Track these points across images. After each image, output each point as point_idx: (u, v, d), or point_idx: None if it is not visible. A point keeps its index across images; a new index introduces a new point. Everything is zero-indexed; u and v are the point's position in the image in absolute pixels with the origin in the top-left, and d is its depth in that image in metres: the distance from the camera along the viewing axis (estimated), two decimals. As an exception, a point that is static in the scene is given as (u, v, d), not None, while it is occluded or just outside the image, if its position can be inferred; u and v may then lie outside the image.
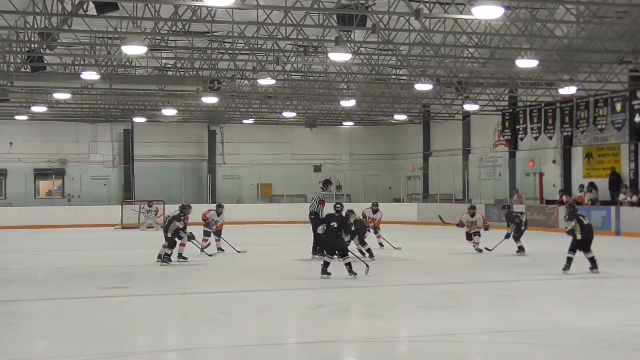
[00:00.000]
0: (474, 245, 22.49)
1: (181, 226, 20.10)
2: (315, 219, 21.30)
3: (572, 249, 17.04)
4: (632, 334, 10.93)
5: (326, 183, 23.01)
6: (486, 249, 22.27)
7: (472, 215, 22.72)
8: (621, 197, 32.62)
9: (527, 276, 17.73)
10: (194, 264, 20.14)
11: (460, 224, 22.91)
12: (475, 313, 13.03)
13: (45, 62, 27.96)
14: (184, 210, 20.64)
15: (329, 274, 16.42)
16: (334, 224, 16.62)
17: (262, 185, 47.27)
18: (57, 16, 22.70)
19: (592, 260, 17.04)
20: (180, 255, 20.18)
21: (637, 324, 11.89)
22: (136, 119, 44.44)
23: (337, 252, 16.53)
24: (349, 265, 16.36)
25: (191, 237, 20.37)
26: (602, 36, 26.61)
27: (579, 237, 16.81)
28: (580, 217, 17.10)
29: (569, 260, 16.97)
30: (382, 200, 44.86)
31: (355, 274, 16.28)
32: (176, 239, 20.05)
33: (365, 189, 47.51)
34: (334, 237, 16.62)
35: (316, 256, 20.69)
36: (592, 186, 35.07)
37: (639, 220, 30.41)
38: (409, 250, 24.21)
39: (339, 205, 17.86)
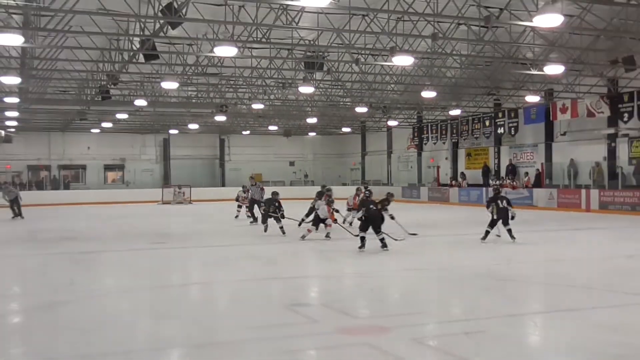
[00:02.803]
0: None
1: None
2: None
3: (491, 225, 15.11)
4: (494, 270, 11.14)
5: (252, 179, 21.83)
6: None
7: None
8: (491, 182, 33.06)
9: (431, 234, 17.60)
10: (209, 230, 20.04)
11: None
12: (393, 257, 13.05)
13: (110, 94, 27.71)
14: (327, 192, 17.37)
15: (364, 247, 13.51)
16: (373, 207, 13.84)
17: (255, 174, 47.13)
18: (119, 63, 22.58)
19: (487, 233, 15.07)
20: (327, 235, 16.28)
21: (497, 263, 12.08)
22: (171, 131, 44.24)
23: (374, 229, 13.69)
24: (383, 240, 13.63)
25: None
26: (476, 77, 26.86)
27: (495, 217, 14.95)
28: (498, 202, 14.98)
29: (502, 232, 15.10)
30: (333, 184, 45.18)
31: (387, 248, 13.52)
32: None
33: (323, 176, 47.69)
34: (375, 217, 13.72)
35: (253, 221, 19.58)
36: (463, 176, 35.64)
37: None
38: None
39: (368, 192, 15.25)
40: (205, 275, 11.50)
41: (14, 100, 28.12)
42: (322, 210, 16.47)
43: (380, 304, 8.61)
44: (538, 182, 30.28)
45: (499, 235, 15.50)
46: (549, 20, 14.35)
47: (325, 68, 23.64)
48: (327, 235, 16.15)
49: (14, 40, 16.26)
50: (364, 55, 22.60)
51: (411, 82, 27.45)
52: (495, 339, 6.59)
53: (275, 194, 17.94)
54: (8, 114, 32.98)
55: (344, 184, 46.66)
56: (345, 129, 45.72)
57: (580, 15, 17.36)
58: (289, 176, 48.88)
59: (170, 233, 19.01)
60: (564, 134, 29.95)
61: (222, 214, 25.74)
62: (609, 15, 17.55)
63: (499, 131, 33.00)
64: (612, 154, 27.38)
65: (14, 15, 16.87)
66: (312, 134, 49.41)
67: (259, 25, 17.27)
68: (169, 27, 16.93)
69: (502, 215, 14.98)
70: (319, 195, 18.51)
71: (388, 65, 23.39)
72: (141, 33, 18.17)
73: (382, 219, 13.94)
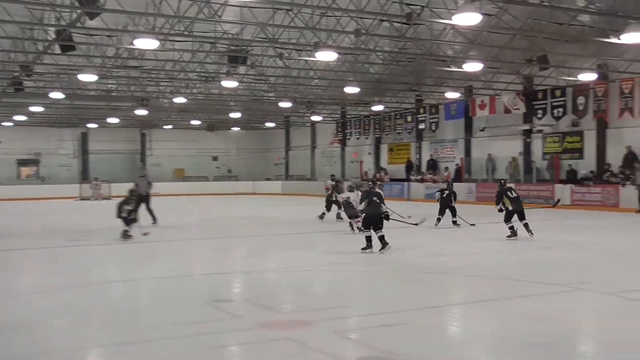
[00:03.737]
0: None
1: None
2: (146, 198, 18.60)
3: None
4: (416, 263, 11.34)
5: (142, 168, 20.61)
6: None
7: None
8: (412, 177, 33.72)
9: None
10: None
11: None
12: (320, 251, 13.18)
13: (24, 85, 26.76)
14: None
15: (371, 247, 12.33)
16: (376, 199, 12.58)
17: (177, 170, 46.69)
18: (33, 54, 21.79)
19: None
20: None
21: (418, 256, 12.27)
22: (90, 125, 43.10)
23: (376, 223, 12.36)
24: (383, 237, 12.27)
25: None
26: (398, 73, 27.25)
27: (510, 208, 14.55)
28: (508, 193, 14.64)
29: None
30: (257, 179, 45.15)
31: (388, 244, 12.25)
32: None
33: (248, 171, 47.59)
34: (376, 209, 12.43)
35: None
36: (385, 171, 36.18)
37: (422, 191, 31.40)
38: (276, 212, 24.27)
39: (371, 182, 14.50)
40: (126, 272, 11.27)
41: None
42: (356, 196, 15.31)
43: (303, 299, 8.65)
44: (458, 177, 31.03)
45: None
46: (468, 18, 14.70)
47: (249, 62, 23.50)
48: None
49: None
50: (288, 50, 22.59)
51: (335, 78, 27.62)
52: (415, 330, 6.72)
53: (133, 191, 16.26)
54: None
55: (268, 179, 46.66)
56: (269, 124, 45.63)
57: (497, 15, 17.85)
58: (213, 171, 48.44)
59: (90, 230, 18.51)
60: (483, 129, 30.79)
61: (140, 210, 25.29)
62: (524, 15, 18.12)
63: (420, 127, 33.63)
64: (527, 149, 28.38)
65: None
66: (235, 128, 49.08)
67: (181, 18, 17.00)
68: (87, 17, 16.45)
69: (517, 206, 14.55)
70: (336, 188, 18.81)
71: (312, 61, 23.45)
72: (57, 23, 17.60)
73: (384, 215, 12.58)
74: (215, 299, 8.35)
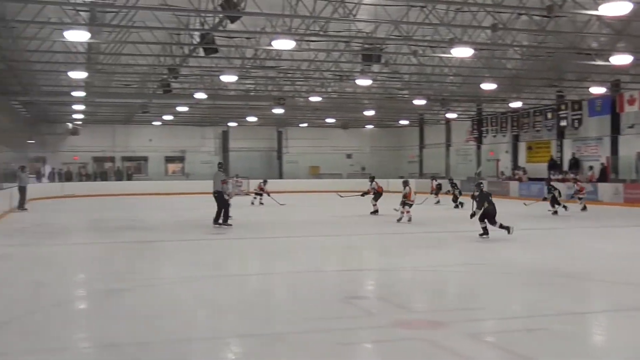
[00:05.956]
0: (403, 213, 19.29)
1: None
2: (219, 197, 17.76)
3: None
4: (555, 266, 10.85)
5: (220, 165, 19.68)
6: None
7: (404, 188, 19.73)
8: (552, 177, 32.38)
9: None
10: (267, 221, 20.07)
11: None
12: (453, 251, 12.98)
13: (171, 87, 28.14)
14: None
15: (488, 234, 14.48)
16: (491, 199, 14.76)
17: (312, 167, 47.43)
18: (179, 57, 22.89)
19: None
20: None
21: (558, 259, 11.76)
22: (230, 124, 44.66)
23: (492, 217, 14.51)
24: (501, 225, 14.39)
25: None
26: (537, 68, 26.23)
27: None
28: None
29: None
30: (390, 176, 44.94)
31: (509, 229, 14.33)
32: None
33: (380, 169, 47.51)
34: (494, 208, 14.60)
35: (217, 225, 17.40)
36: (524, 170, 34.91)
37: (563, 191, 29.97)
38: (412, 211, 24.01)
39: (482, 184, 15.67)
40: (263, 266, 11.56)
41: (81, 94, 29.06)
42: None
43: (437, 299, 8.48)
44: (603, 177, 29.40)
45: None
46: (617, 8, 13.84)
47: (383, 60, 23.42)
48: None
49: (81, 36, 17.06)
50: (422, 47, 22.31)
51: (470, 74, 27.00)
52: (558, 337, 6.40)
53: None
54: (75, 107, 34.16)
55: (401, 177, 46.34)
56: (403, 122, 45.35)
57: (649, 3, 16.72)
58: (346, 169, 48.81)
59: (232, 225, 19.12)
60: (632, 126, 28.96)
61: (284, 205, 25.91)
62: (679, 3, 16.85)
63: (561, 124, 32.22)
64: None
65: (81, 13, 17.36)
66: (369, 126, 49.15)
67: (317, 18, 17.21)
68: (228, 21, 17.05)
69: None
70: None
71: (447, 57, 23.03)
72: (201, 27, 18.38)
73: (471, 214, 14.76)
74: (350, 296, 8.36)
